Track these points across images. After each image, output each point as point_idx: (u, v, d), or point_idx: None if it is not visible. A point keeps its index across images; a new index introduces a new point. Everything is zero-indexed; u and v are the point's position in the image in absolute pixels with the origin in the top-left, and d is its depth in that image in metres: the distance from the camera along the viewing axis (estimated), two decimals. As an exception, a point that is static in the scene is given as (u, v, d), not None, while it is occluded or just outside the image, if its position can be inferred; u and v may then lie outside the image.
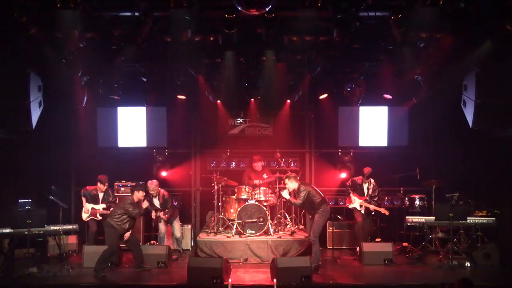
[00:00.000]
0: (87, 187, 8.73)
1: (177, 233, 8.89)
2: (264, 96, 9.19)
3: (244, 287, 6.84)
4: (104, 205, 8.56)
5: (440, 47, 7.16)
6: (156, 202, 8.61)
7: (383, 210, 8.54)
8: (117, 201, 8.58)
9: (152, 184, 8.60)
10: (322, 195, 7.70)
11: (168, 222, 8.75)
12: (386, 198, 9.62)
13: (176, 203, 9.39)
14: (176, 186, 10.03)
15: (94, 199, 8.62)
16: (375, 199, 8.60)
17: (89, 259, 7.68)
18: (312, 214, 7.62)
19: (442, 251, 8.25)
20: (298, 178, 7.76)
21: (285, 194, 7.74)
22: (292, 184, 7.62)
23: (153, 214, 8.48)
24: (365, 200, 8.57)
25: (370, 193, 8.60)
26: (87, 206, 8.59)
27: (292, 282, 6.52)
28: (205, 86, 9.05)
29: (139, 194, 7.53)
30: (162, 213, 8.51)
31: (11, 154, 8.86)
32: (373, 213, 8.68)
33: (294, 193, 7.70)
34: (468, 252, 8.01)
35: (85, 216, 8.60)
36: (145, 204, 7.69)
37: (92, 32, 7.09)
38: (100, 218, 8.45)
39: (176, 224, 8.89)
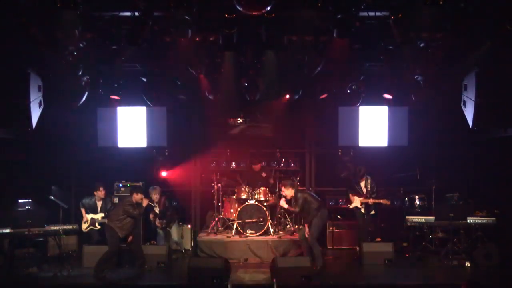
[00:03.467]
0: (85, 198, 8.69)
1: (175, 237, 8.84)
2: (264, 96, 9.19)
3: (244, 287, 6.85)
4: (103, 214, 8.50)
5: (440, 47, 7.15)
6: (156, 209, 8.61)
7: (383, 201, 8.60)
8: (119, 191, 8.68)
9: (155, 191, 8.60)
10: (319, 199, 7.68)
11: (167, 227, 8.74)
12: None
13: (175, 203, 9.36)
14: (176, 186, 10.03)
15: (92, 209, 8.58)
16: (374, 196, 8.66)
17: (89, 259, 7.69)
18: (310, 220, 7.55)
19: (442, 251, 8.25)
20: (294, 183, 7.72)
21: (283, 203, 7.71)
22: (288, 191, 7.59)
23: (152, 216, 8.49)
24: (365, 197, 8.61)
25: (369, 189, 8.66)
26: (87, 217, 8.55)
27: (292, 282, 6.52)
28: (205, 86, 9.05)
29: (137, 196, 7.53)
30: (159, 221, 8.52)
31: (11, 154, 8.86)
32: (373, 212, 8.70)
33: (292, 200, 7.64)
34: (468, 252, 8.01)
35: (85, 226, 8.52)
36: (145, 202, 7.69)
37: (92, 32, 7.08)
38: (99, 227, 8.42)
39: (174, 228, 8.87)
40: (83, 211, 8.61)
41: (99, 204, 8.62)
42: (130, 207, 7.40)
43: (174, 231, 8.86)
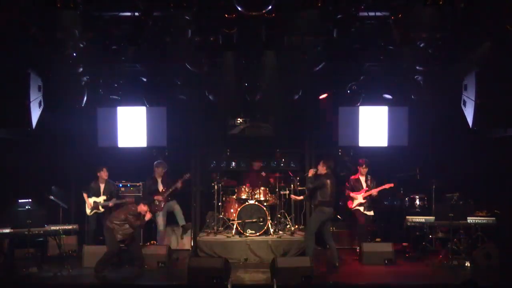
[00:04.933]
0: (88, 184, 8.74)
1: (177, 211, 8.88)
2: (264, 96, 9.19)
3: (244, 287, 6.85)
4: (104, 197, 8.54)
5: (440, 47, 7.15)
6: (160, 185, 8.65)
7: (387, 185, 8.62)
8: (119, 192, 8.89)
9: (162, 166, 8.86)
10: (333, 198, 7.76)
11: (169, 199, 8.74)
12: (386, 198, 9.63)
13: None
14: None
15: (95, 192, 8.60)
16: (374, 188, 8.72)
17: (89, 259, 7.70)
18: (313, 207, 7.89)
19: (442, 251, 8.25)
20: (331, 166, 7.99)
21: (310, 172, 8.01)
22: (322, 168, 7.89)
23: (161, 187, 8.74)
24: (366, 191, 8.62)
25: (369, 184, 8.67)
26: (89, 201, 8.55)
27: (292, 282, 6.52)
28: (205, 86, 9.05)
29: (143, 208, 7.55)
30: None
31: (11, 154, 8.86)
32: (372, 212, 8.70)
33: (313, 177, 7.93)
34: (468, 252, 8.01)
35: (88, 211, 8.56)
36: (148, 216, 7.67)
37: (92, 32, 7.08)
38: (102, 210, 8.45)
39: (176, 205, 8.87)
40: (85, 195, 8.61)
41: (102, 186, 8.64)
42: (132, 217, 7.42)
43: (177, 210, 8.82)
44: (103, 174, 8.65)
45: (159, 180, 8.89)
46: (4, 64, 7.38)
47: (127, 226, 7.43)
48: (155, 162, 9.09)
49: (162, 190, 8.82)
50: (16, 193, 8.61)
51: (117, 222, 7.40)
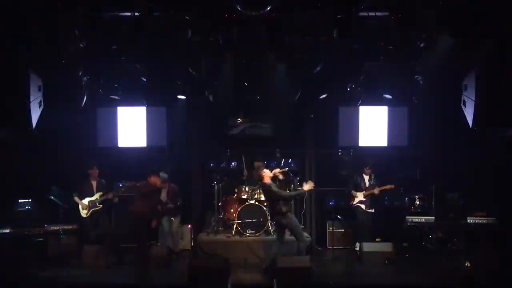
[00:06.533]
0: (77, 184, 8.69)
1: (175, 227, 8.71)
2: (264, 96, 9.19)
3: (244, 287, 6.85)
4: (101, 193, 8.50)
5: (440, 47, 7.16)
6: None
7: (388, 186, 8.71)
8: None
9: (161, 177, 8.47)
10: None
11: (171, 215, 8.62)
12: (386, 198, 9.63)
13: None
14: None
15: (89, 192, 8.55)
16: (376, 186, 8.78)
17: (89, 259, 7.69)
18: None
19: (442, 251, 8.24)
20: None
21: None
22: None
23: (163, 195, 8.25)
24: (367, 189, 8.64)
25: (372, 183, 8.73)
26: (84, 202, 8.49)
27: (292, 282, 6.52)
28: (205, 86, 9.05)
29: (154, 180, 7.42)
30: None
31: (11, 154, 8.86)
32: (372, 210, 8.72)
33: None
34: (468, 252, 8.01)
35: (85, 212, 8.49)
36: (154, 224, 7.54)
37: (92, 32, 7.09)
38: (100, 206, 8.42)
39: (176, 221, 8.76)
40: (77, 199, 8.52)
41: (94, 184, 8.59)
42: (148, 192, 7.22)
43: (176, 223, 8.72)
44: (94, 172, 8.61)
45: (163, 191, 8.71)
46: (4, 64, 7.39)
47: (147, 204, 7.10)
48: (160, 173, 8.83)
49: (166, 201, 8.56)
50: (16, 193, 8.61)
51: (139, 200, 7.11)
